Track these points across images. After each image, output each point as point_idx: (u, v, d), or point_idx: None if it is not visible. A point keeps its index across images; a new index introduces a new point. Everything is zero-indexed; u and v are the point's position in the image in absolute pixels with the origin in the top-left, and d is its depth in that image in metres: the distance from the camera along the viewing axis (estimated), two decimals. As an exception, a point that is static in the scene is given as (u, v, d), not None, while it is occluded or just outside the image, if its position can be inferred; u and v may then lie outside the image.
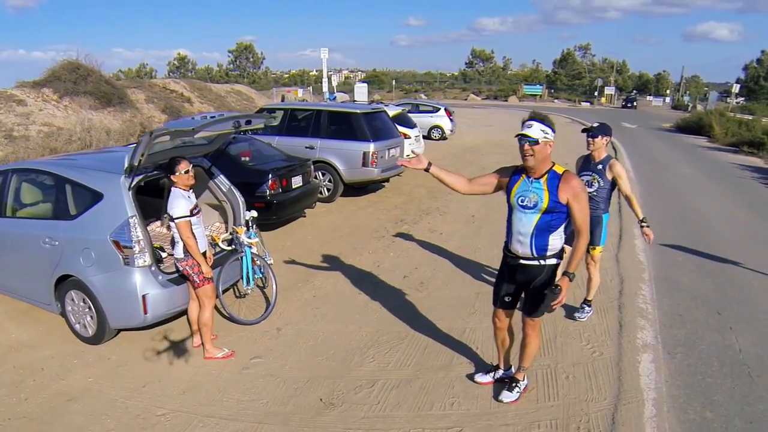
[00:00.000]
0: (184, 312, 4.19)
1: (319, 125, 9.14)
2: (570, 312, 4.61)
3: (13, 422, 3.28)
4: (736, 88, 42.61)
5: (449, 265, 6.01)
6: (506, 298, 3.27)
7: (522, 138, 2.87)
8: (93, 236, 3.96)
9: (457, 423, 3.19)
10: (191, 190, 3.87)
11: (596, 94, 58.09)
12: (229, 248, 4.67)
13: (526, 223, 2.99)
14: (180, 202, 3.66)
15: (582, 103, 58.31)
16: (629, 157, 14.83)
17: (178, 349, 4.12)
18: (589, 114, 34.47)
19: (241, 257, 4.62)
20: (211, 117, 3.85)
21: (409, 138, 12.23)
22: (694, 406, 3.34)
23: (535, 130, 2.87)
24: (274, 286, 4.72)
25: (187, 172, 3.72)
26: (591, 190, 4.24)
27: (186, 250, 3.75)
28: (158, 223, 5.24)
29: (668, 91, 64.53)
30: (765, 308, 4.81)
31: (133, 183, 3.93)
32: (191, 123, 3.71)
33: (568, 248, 3.11)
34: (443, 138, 18.55)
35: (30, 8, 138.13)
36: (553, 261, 3.07)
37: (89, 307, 4.07)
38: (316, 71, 59.00)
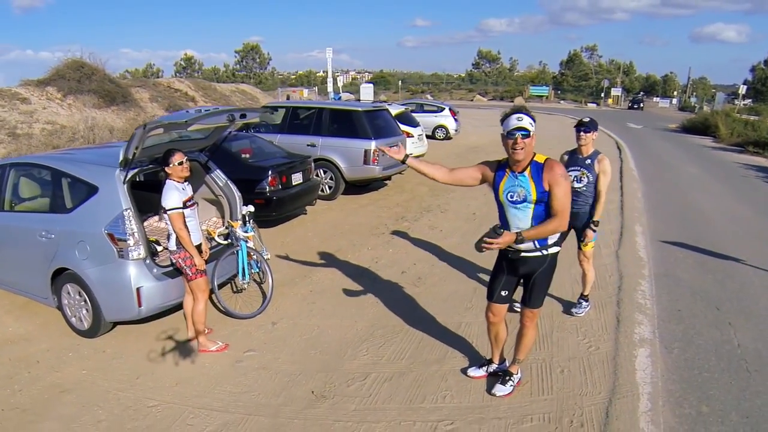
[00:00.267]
0: (180, 305, 4.18)
1: (321, 123, 9.15)
2: (567, 307, 4.58)
3: (5, 413, 3.30)
4: (743, 90, 42.01)
5: (448, 261, 5.98)
6: (503, 293, 3.23)
7: (515, 132, 2.80)
8: (88, 229, 3.97)
9: (449, 416, 3.17)
10: (186, 183, 3.87)
11: (603, 95, 57.75)
12: (225, 242, 4.68)
13: (522, 218, 2.95)
14: (172, 194, 3.67)
15: (588, 104, 58.03)
16: (634, 157, 14.69)
17: (172, 342, 4.13)
18: (596, 115, 34.13)
19: (237, 251, 4.62)
20: (206, 110, 3.85)
21: (412, 136, 12.21)
22: (690, 401, 3.29)
23: (527, 122, 2.83)
24: (270, 281, 4.72)
25: (181, 163, 3.72)
26: (580, 185, 4.17)
27: (179, 243, 3.75)
28: (156, 218, 5.25)
29: (675, 93, 63.97)
30: (765, 304, 4.75)
31: (128, 176, 3.95)
32: (185, 116, 3.71)
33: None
34: (447, 138, 18.50)
35: (37, 9, 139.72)
36: (555, 249, 3.05)
37: (85, 300, 4.08)
38: (323, 72, 59.00)
